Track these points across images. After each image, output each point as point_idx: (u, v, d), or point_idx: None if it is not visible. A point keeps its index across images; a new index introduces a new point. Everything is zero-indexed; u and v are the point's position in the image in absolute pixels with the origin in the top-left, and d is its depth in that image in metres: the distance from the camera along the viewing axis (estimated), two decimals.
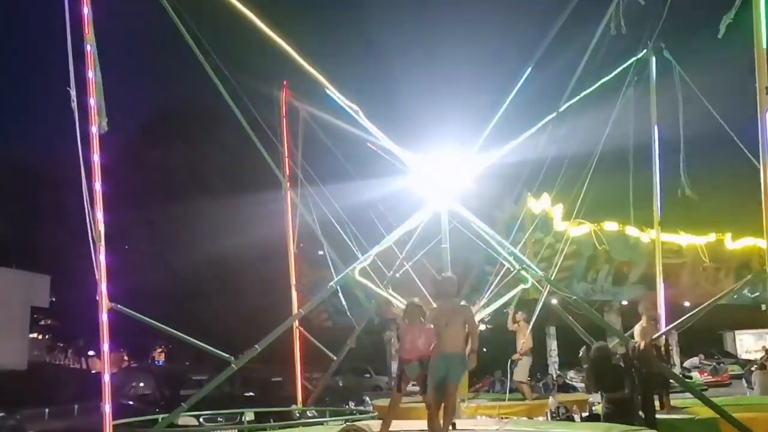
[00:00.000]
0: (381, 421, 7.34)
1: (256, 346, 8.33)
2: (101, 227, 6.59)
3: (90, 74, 6.83)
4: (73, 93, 6.31)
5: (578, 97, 10.20)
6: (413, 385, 7.18)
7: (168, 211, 27.10)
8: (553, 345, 27.08)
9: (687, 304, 16.42)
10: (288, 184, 11.90)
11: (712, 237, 25.32)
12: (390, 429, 7.04)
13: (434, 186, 9.18)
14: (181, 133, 30.02)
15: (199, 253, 25.70)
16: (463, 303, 7.39)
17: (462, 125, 9.74)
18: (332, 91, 8.45)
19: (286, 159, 11.93)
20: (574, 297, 9.39)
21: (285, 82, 12.03)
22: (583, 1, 8.35)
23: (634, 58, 11.09)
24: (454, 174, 9.16)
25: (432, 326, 6.88)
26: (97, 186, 6.72)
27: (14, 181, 28.37)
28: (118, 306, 7.13)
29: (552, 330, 26.75)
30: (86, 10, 6.98)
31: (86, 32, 6.92)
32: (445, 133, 9.54)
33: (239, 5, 7.55)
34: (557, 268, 11.88)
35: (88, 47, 6.85)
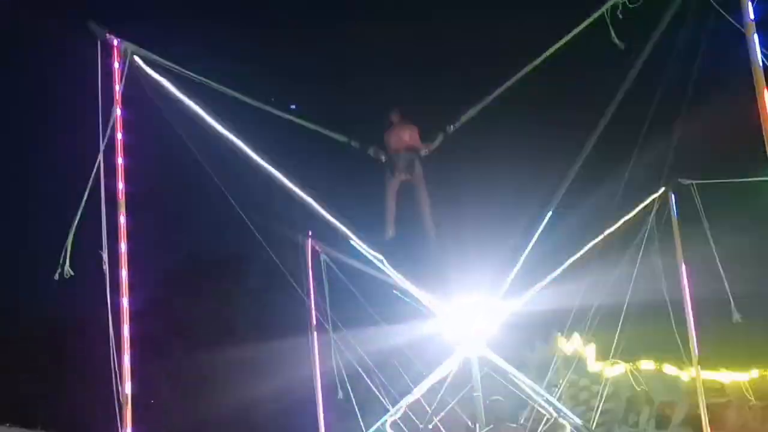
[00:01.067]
0: None
1: None
2: (128, 393, 6.45)
3: (122, 219, 6.84)
4: (105, 256, 6.43)
5: (599, 238, 10.21)
6: None
7: (193, 361, 26.83)
8: None
9: None
10: (314, 334, 11.82)
11: (755, 373, 24.25)
12: None
13: (463, 331, 9.04)
14: (208, 281, 30.35)
15: (223, 404, 25.13)
16: None
17: (488, 269, 9.73)
18: (356, 242, 8.58)
19: (312, 307, 11.93)
20: None
21: (309, 232, 12.27)
22: (603, 142, 8.48)
23: (653, 196, 11.09)
24: (482, 319, 9.05)
25: None
26: (126, 359, 6.60)
27: (41, 339, 28.50)
28: None
29: None
30: (120, 160, 7.05)
31: (120, 198, 6.99)
32: (471, 278, 9.52)
33: (265, 164, 7.84)
34: (598, 411, 11.40)
35: (122, 218, 6.86)
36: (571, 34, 7.67)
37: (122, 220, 6.62)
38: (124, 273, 6.54)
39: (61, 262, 6.46)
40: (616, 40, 7.21)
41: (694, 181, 10.70)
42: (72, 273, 6.48)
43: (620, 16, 7.18)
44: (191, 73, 7.36)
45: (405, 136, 9.21)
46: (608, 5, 7.19)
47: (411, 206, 9.57)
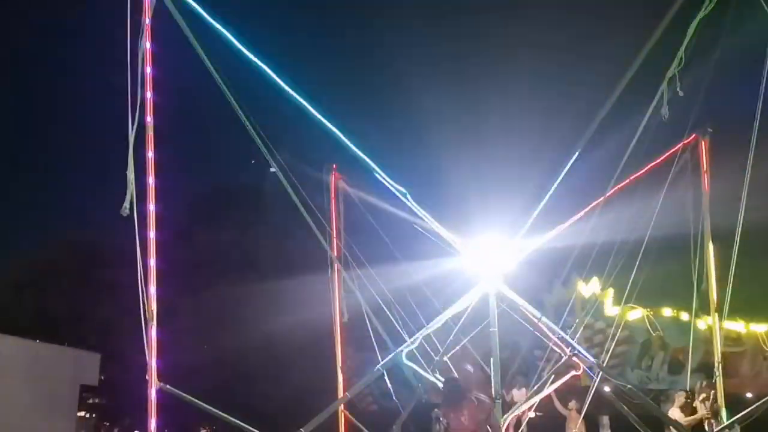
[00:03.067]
0: None
1: (301, 429, 8.20)
2: (154, 306, 6.70)
3: (149, 154, 7.06)
4: (131, 175, 6.56)
5: (624, 183, 10.14)
6: None
7: (216, 290, 27.41)
8: None
9: (749, 395, 15.65)
10: (336, 265, 11.98)
11: None
12: None
13: (482, 268, 9.12)
14: (230, 212, 30.68)
15: (245, 332, 25.74)
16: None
17: (510, 208, 9.75)
18: (380, 174, 8.59)
19: (335, 240, 12.07)
20: (629, 386, 9.03)
21: (334, 165, 12.32)
22: (630, 87, 8.38)
23: (680, 143, 10.99)
24: (503, 256, 9.11)
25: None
26: (152, 263, 6.86)
27: (67, 257, 29.21)
28: (167, 386, 7.16)
29: (605, 420, 25.59)
30: (149, 94, 7.26)
31: (147, 114, 7.18)
32: (493, 216, 9.55)
33: (292, 92, 7.83)
34: (609, 354, 11.54)
35: (150, 153, 7.04)
36: None
37: (150, 155, 6.73)
38: (151, 207, 6.69)
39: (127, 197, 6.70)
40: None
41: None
42: (128, 211, 6.76)
43: None
44: None
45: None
46: None
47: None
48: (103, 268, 26.82)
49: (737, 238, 10.47)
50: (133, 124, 6.88)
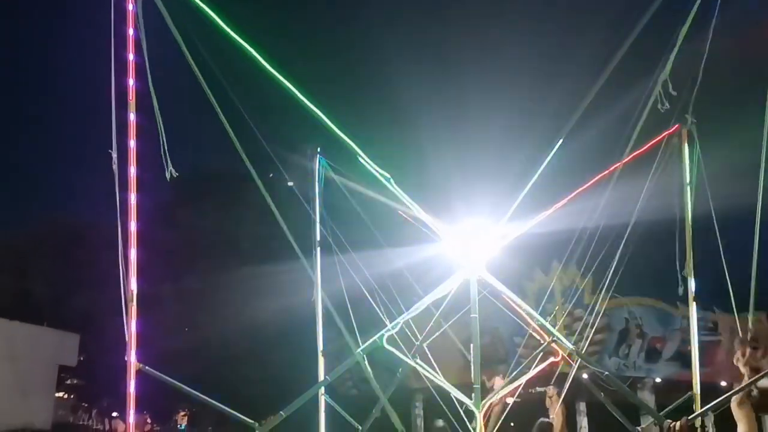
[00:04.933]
0: None
1: (281, 412, 8.22)
2: (134, 286, 6.68)
3: (131, 143, 7.09)
4: (114, 155, 6.51)
5: (608, 171, 10.19)
6: None
7: (198, 273, 27.32)
8: (583, 422, 26.26)
9: (723, 384, 15.90)
10: (318, 249, 11.95)
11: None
12: None
13: (464, 254, 9.16)
14: (212, 194, 30.50)
15: (227, 315, 25.73)
16: None
17: (492, 194, 9.78)
18: (363, 158, 8.57)
19: (317, 224, 12.02)
20: (606, 372, 9.13)
21: (318, 148, 12.24)
22: (617, 72, 8.42)
23: (665, 133, 11.04)
24: (484, 242, 9.15)
25: None
26: (133, 253, 6.84)
27: (50, 238, 28.94)
28: (146, 368, 7.13)
29: (582, 406, 25.98)
30: (131, 82, 7.31)
31: (130, 98, 7.19)
32: (475, 202, 9.58)
33: (275, 73, 7.77)
34: (588, 341, 11.65)
35: (132, 115, 7.11)
36: None
37: (132, 117, 6.74)
38: (132, 170, 6.67)
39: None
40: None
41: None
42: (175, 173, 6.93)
43: None
44: None
45: None
46: None
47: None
48: (85, 248, 26.63)
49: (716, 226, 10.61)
50: (118, 107, 6.95)
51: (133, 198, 6.83)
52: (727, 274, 10.93)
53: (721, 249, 10.83)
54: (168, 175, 7.51)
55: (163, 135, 7.50)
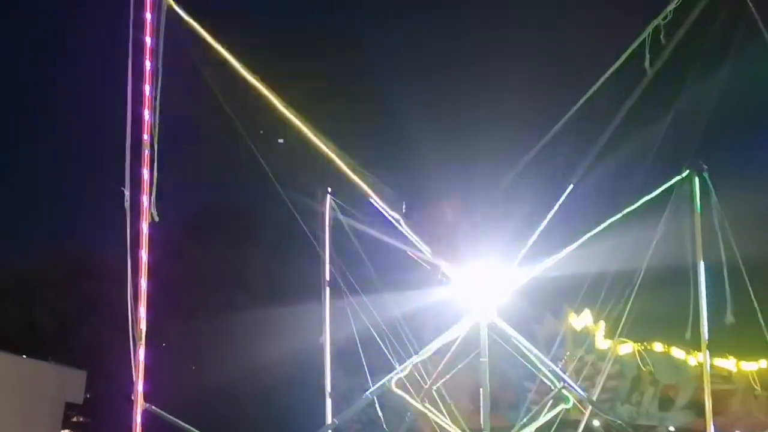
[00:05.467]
0: None
1: None
2: (143, 326, 6.65)
3: (145, 173, 7.07)
4: (127, 193, 6.55)
5: (619, 215, 10.15)
6: None
7: (206, 310, 27.19)
8: None
9: None
10: (327, 289, 11.91)
11: (763, 364, 24.21)
12: None
13: (474, 298, 9.09)
14: (223, 232, 30.54)
15: (234, 353, 25.50)
16: None
17: (503, 238, 9.75)
18: (374, 200, 8.61)
19: (327, 264, 11.99)
20: (619, 421, 8.98)
21: (329, 189, 12.27)
22: (629, 118, 8.44)
23: (675, 179, 11.01)
24: (495, 286, 9.09)
25: None
26: (143, 283, 6.82)
27: (57, 272, 28.95)
28: (153, 407, 7.08)
29: None
30: (146, 114, 7.31)
31: (145, 133, 7.19)
32: (486, 246, 9.54)
33: (291, 116, 7.87)
34: (600, 388, 11.46)
35: (146, 151, 7.11)
36: None
37: (146, 152, 6.76)
38: (144, 198, 6.68)
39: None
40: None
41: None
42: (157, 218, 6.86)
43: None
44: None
45: None
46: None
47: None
48: (91, 282, 26.59)
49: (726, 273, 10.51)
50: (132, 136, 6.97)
51: (145, 227, 6.79)
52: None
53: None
54: (149, 219, 7.20)
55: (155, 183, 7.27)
